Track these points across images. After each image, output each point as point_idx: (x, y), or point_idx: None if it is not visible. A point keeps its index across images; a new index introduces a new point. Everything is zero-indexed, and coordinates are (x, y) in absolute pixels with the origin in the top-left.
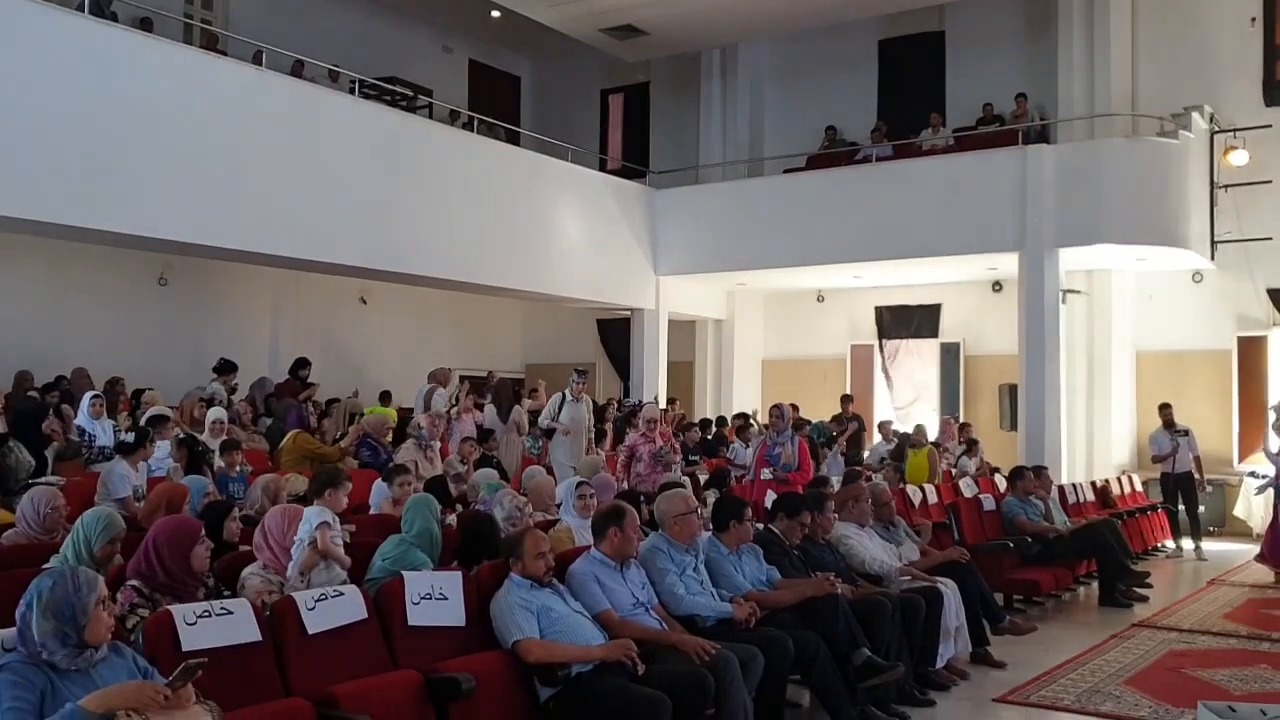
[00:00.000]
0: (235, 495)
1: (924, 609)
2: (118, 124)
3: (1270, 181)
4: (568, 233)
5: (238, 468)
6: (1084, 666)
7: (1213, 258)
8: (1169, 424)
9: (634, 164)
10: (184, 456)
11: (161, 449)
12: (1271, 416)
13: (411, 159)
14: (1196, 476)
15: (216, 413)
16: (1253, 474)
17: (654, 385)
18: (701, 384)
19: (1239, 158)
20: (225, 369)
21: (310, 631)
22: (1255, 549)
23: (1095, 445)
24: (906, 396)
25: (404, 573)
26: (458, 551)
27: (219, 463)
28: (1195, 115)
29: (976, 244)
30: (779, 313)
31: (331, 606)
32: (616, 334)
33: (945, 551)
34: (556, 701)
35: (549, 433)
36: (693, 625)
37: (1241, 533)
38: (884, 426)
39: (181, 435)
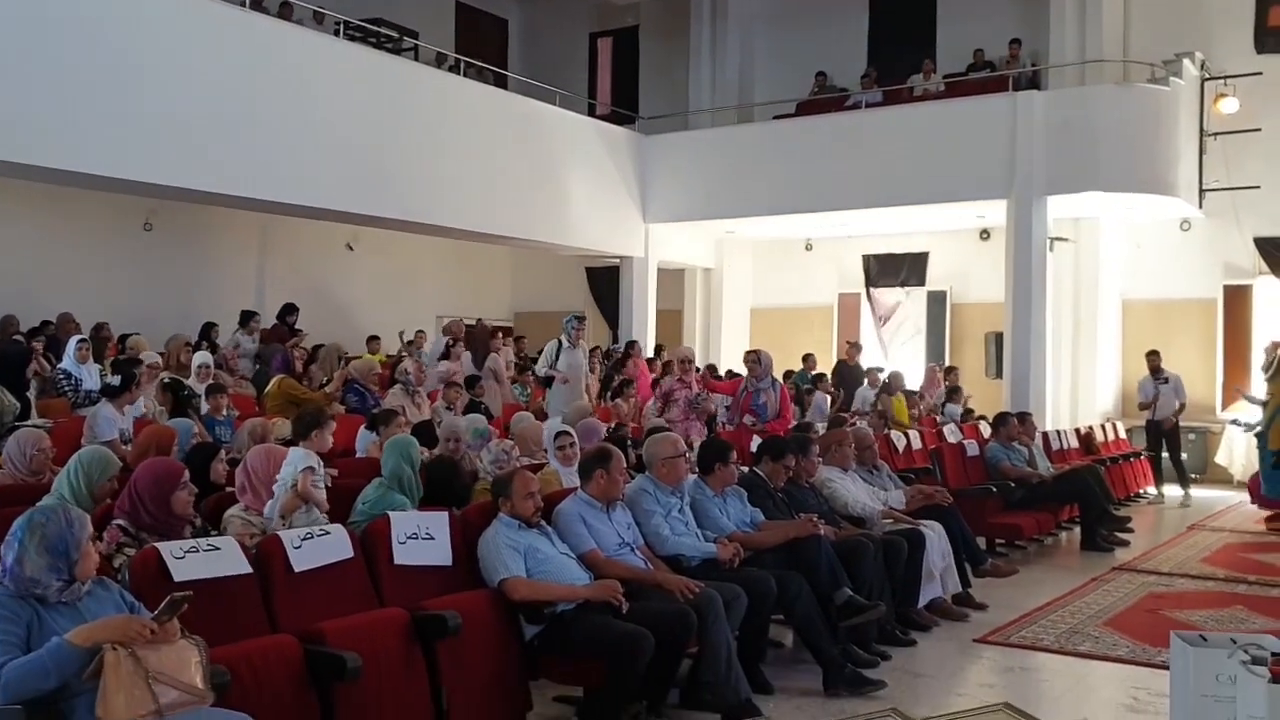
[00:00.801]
0: (222, 439)
1: (906, 551)
2: (102, 67)
3: (1260, 130)
4: (557, 179)
5: (224, 412)
6: (1064, 608)
7: (1201, 206)
8: (1155, 371)
9: (623, 109)
10: (169, 401)
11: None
12: (1261, 359)
13: (398, 102)
14: (1172, 422)
15: (202, 357)
16: (1234, 422)
17: (643, 334)
18: (690, 333)
19: (1229, 105)
20: (247, 319)
21: (296, 569)
22: (1237, 496)
23: (1080, 393)
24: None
25: (390, 513)
26: (424, 496)
27: (205, 407)
28: (1186, 62)
29: (966, 191)
30: (767, 261)
31: (317, 545)
32: (606, 282)
33: (927, 494)
34: (541, 639)
35: (547, 380)
36: (678, 565)
37: (1223, 480)
38: (871, 373)
39: (167, 380)
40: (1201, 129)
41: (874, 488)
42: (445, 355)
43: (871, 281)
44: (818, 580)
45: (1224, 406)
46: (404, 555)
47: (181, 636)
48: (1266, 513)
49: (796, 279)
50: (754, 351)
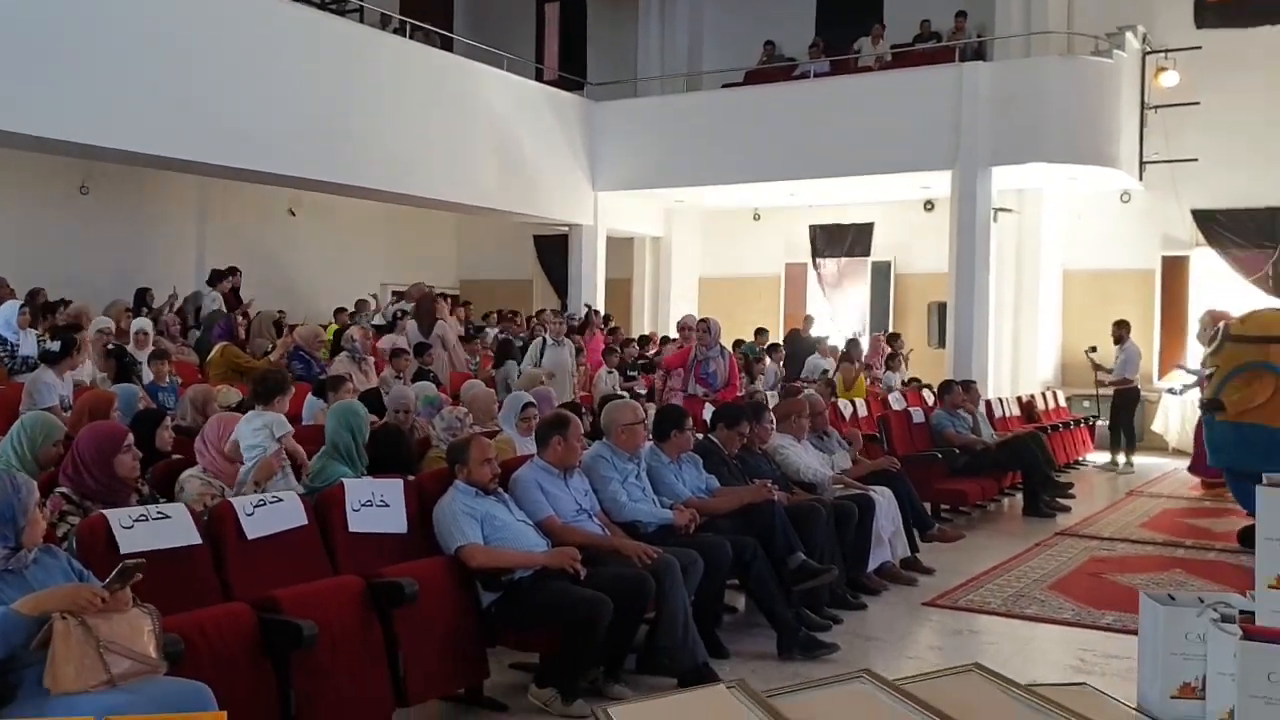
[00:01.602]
0: (166, 406)
1: (856, 516)
2: (35, 25)
3: (1199, 103)
4: (504, 144)
5: (167, 379)
6: (1010, 572)
7: (1141, 178)
8: (1119, 340)
9: (570, 74)
10: (112, 367)
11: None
12: (1195, 327)
13: (341, 65)
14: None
15: (140, 323)
16: (1171, 390)
17: (592, 302)
18: (639, 301)
19: (1170, 79)
20: (216, 279)
21: (249, 537)
22: (1173, 463)
23: (1021, 362)
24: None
25: (344, 480)
26: (370, 464)
27: (148, 374)
28: (1129, 35)
29: (911, 162)
30: (716, 231)
31: (271, 512)
32: (554, 250)
33: (877, 460)
34: (499, 606)
35: None
36: (634, 531)
37: (1159, 447)
38: (821, 343)
39: (111, 346)
40: (1142, 102)
41: (824, 454)
42: (391, 326)
43: (818, 252)
44: (772, 545)
45: (1160, 376)
46: (359, 523)
47: (134, 605)
48: (1203, 478)
49: (744, 249)
50: (703, 320)
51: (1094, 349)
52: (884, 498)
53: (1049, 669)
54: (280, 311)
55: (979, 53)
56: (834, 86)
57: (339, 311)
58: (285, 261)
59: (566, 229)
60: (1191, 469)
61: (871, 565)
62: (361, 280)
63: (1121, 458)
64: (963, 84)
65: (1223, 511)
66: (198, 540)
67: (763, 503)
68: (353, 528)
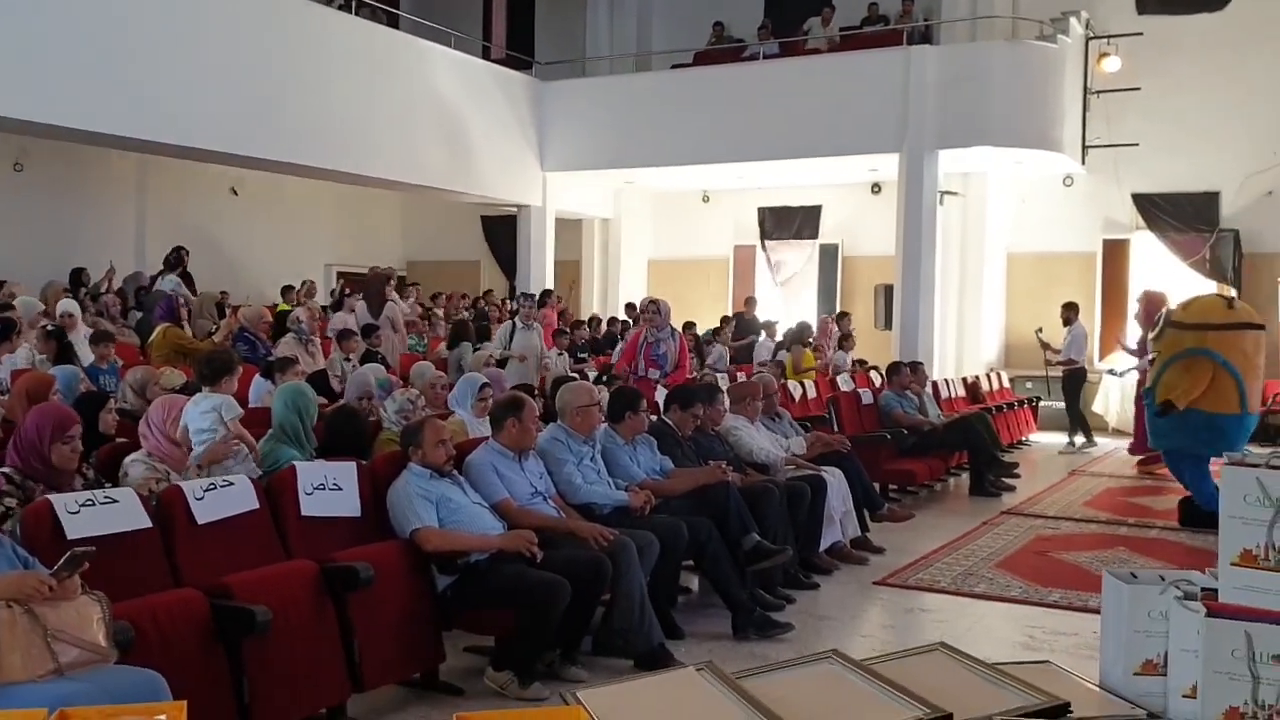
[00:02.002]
0: (107, 389)
1: (809, 496)
2: None
3: (1140, 89)
4: (451, 123)
5: (108, 361)
6: (958, 551)
7: (1083, 162)
8: (1067, 322)
9: (518, 53)
10: (53, 349)
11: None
12: (1134, 307)
13: (284, 40)
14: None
15: (67, 305)
16: (1110, 371)
17: (541, 284)
18: (588, 283)
19: (1112, 64)
20: (175, 263)
21: (200, 521)
22: (1114, 443)
23: (965, 343)
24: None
25: (296, 463)
26: (323, 448)
27: (89, 355)
28: (1072, 20)
29: (859, 144)
30: (665, 213)
31: (221, 496)
32: (502, 231)
33: (826, 441)
34: (454, 589)
35: (502, 362)
36: (590, 513)
37: (1099, 427)
38: (769, 325)
39: (50, 327)
40: (1085, 87)
41: (776, 435)
42: (339, 305)
43: (766, 234)
44: (726, 526)
45: (1101, 357)
46: (311, 506)
47: (82, 592)
48: (1140, 457)
49: (694, 231)
50: (653, 301)
51: (1041, 330)
52: (835, 478)
53: (999, 646)
54: (222, 293)
55: (925, 36)
56: (783, 68)
57: (286, 290)
58: (227, 242)
59: (515, 210)
60: (1131, 450)
61: (823, 545)
62: (305, 261)
63: (1079, 438)
64: (910, 67)
65: (1161, 490)
66: (147, 525)
67: (717, 484)
68: (305, 511)
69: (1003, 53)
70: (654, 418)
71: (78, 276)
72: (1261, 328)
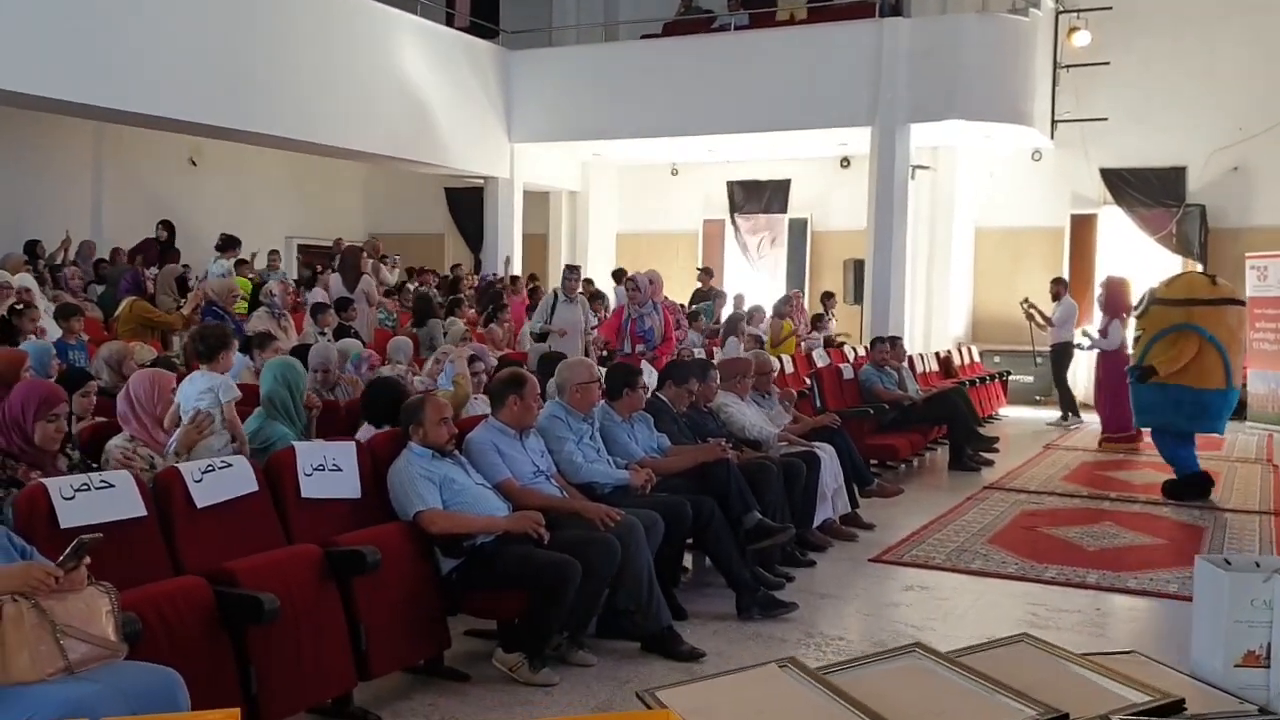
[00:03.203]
0: (76, 364)
1: (804, 473)
2: None
3: (1109, 63)
4: (417, 92)
5: (77, 336)
6: (947, 527)
7: (1052, 137)
8: (1056, 297)
9: (482, 20)
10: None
11: None
12: (1098, 292)
13: (246, 4)
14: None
15: (21, 279)
16: (1078, 346)
17: (509, 256)
18: (556, 256)
19: (1081, 38)
20: (228, 245)
21: (199, 505)
22: (1085, 417)
23: (934, 318)
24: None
25: (295, 444)
26: (366, 415)
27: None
28: None
29: (831, 118)
30: (633, 185)
31: (220, 478)
32: (466, 203)
33: (818, 418)
34: (460, 572)
35: (543, 337)
36: (591, 492)
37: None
38: (739, 300)
39: (20, 306)
40: (1055, 61)
41: (766, 411)
42: (312, 281)
43: (736, 208)
44: (728, 504)
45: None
46: (311, 488)
47: (89, 583)
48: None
49: (662, 204)
50: (630, 277)
51: (1027, 300)
52: (826, 454)
53: (1006, 624)
54: (185, 266)
55: (896, 8)
56: (754, 40)
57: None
58: (186, 213)
59: (481, 182)
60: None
61: (815, 522)
62: (266, 233)
63: (1071, 414)
64: (883, 39)
65: (1134, 464)
66: (144, 511)
67: (717, 462)
68: (305, 493)
69: (976, 26)
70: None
71: (33, 249)
72: (1243, 303)
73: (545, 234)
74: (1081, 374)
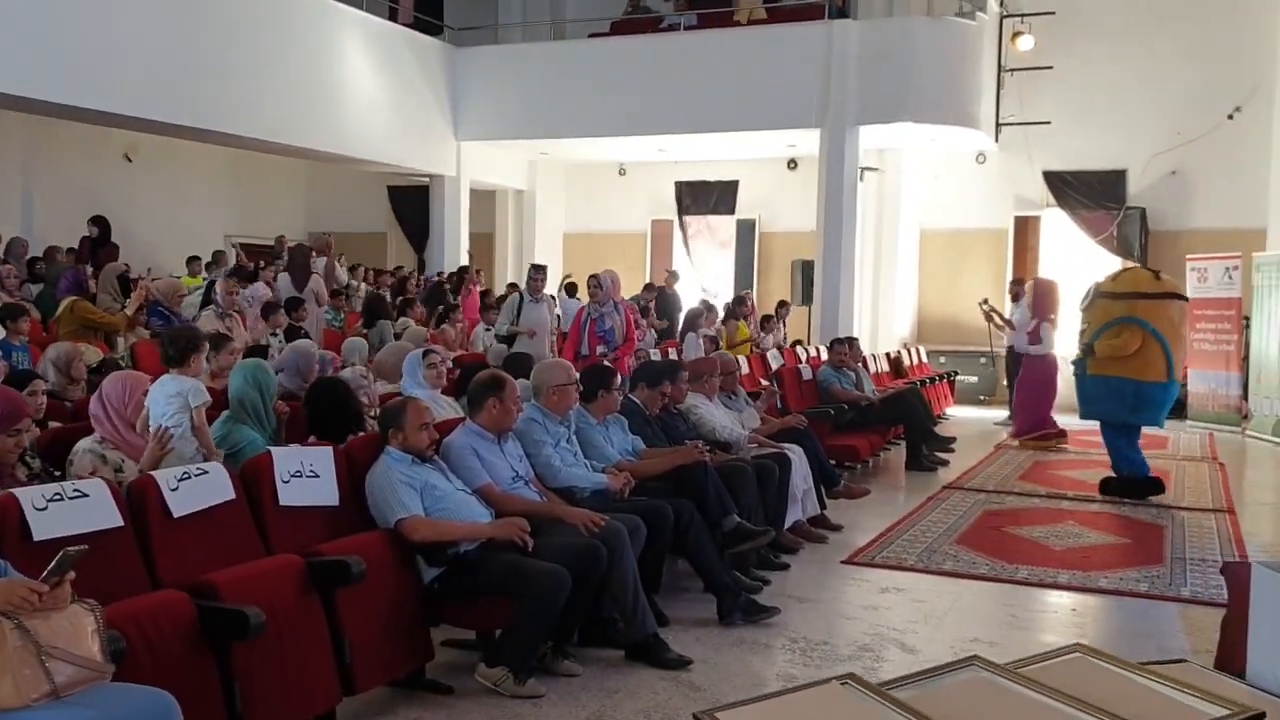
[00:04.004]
0: (19, 366)
1: (777, 474)
2: None
3: (1051, 68)
4: (362, 88)
5: (20, 337)
6: (913, 527)
7: (996, 140)
8: (1016, 299)
9: (425, 15)
10: None
11: None
12: (1024, 293)
13: None
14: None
15: None
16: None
17: (456, 256)
18: (502, 256)
19: (1026, 43)
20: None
21: (175, 515)
22: (1005, 415)
23: (880, 319)
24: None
25: (272, 449)
26: (312, 423)
27: None
28: None
29: (779, 119)
30: (581, 185)
31: (196, 486)
32: (409, 202)
33: (785, 419)
34: (443, 581)
35: (509, 339)
36: (569, 497)
37: (1002, 401)
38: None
39: None
40: (1000, 65)
41: (733, 412)
42: (253, 277)
43: (684, 209)
44: (706, 508)
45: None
46: (289, 495)
47: (72, 601)
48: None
49: (609, 204)
50: (593, 275)
51: (986, 300)
52: (797, 456)
53: (987, 626)
54: (125, 265)
55: (843, 10)
56: (703, 40)
57: (192, 261)
58: (121, 211)
59: (426, 180)
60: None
61: (786, 524)
62: (203, 232)
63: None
64: (832, 41)
65: (1088, 463)
66: (120, 522)
67: (694, 464)
68: (283, 501)
69: (925, 29)
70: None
71: None
72: (1186, 299)
73: (491, 233)
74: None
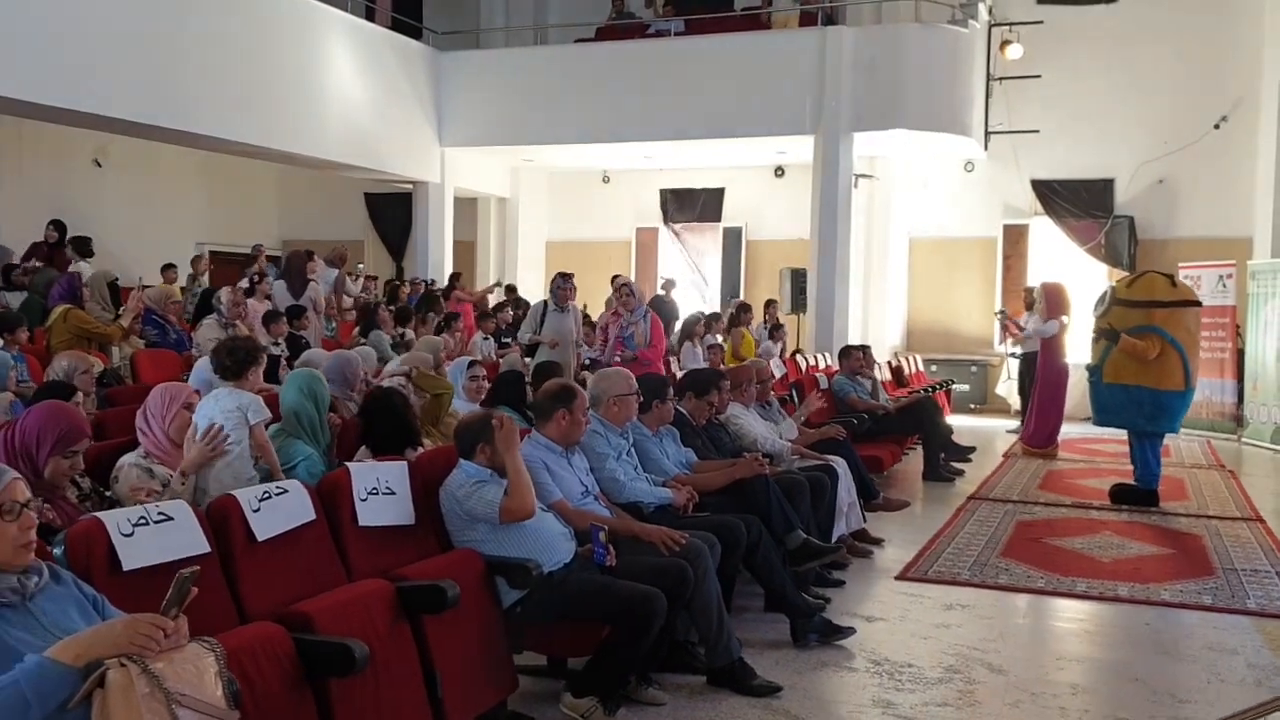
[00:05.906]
0: (19, 378)
1: (829, 487)
2: None
3: (1040, 76)
4: (343, 91)
5: (18, 346)
6: (953, 540)
7: (985, 148)
8: (1029, 306)
9: (405, 17)
10: None
11: None
12: (1035, 299)
13: None
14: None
15: None
16: (1014, 354)
17: (440, 264)
18: (484, 264)
19: (1015, 51)
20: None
21: (259, 538)
22: (1016, 424)
23: (870, 328)
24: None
25: (349, 464)
26: (364, 436)
27: None
28: (980, 6)
29: (770, 126)
30: (564, 193)
31: (277, 506)
32: (388, 208)
33: (823, 430)
34: (525, 604)
35: (531, 349)
36: (634, 513)
37: (1001, 410)
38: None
39: None
40: (988, 73)
41: (769, 423)
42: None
43: (669, 217)
44: (770, 523)
45: (1002, 340)
46: (368, 515)
47: (190, 639)
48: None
49: (594, 212)
50: (626, 284)
51: (1003, 311)
52: (841, 467)
53: (1065, 641)
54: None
55: (830, 18)
56: (692, 46)
57: (167, 268)
58: (90, 216)
59: (407, 187)
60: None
61: (832, 538)
62: (175, 239)
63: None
64: (826, 48)
65: (1101, 472)
66: (207, 548)
67: (754, 477)
68: (362, 521)
69: (917, 36)
70: None
71: None
72: (1199, 304)
73: (473, 241)
74: (1016, 383)
